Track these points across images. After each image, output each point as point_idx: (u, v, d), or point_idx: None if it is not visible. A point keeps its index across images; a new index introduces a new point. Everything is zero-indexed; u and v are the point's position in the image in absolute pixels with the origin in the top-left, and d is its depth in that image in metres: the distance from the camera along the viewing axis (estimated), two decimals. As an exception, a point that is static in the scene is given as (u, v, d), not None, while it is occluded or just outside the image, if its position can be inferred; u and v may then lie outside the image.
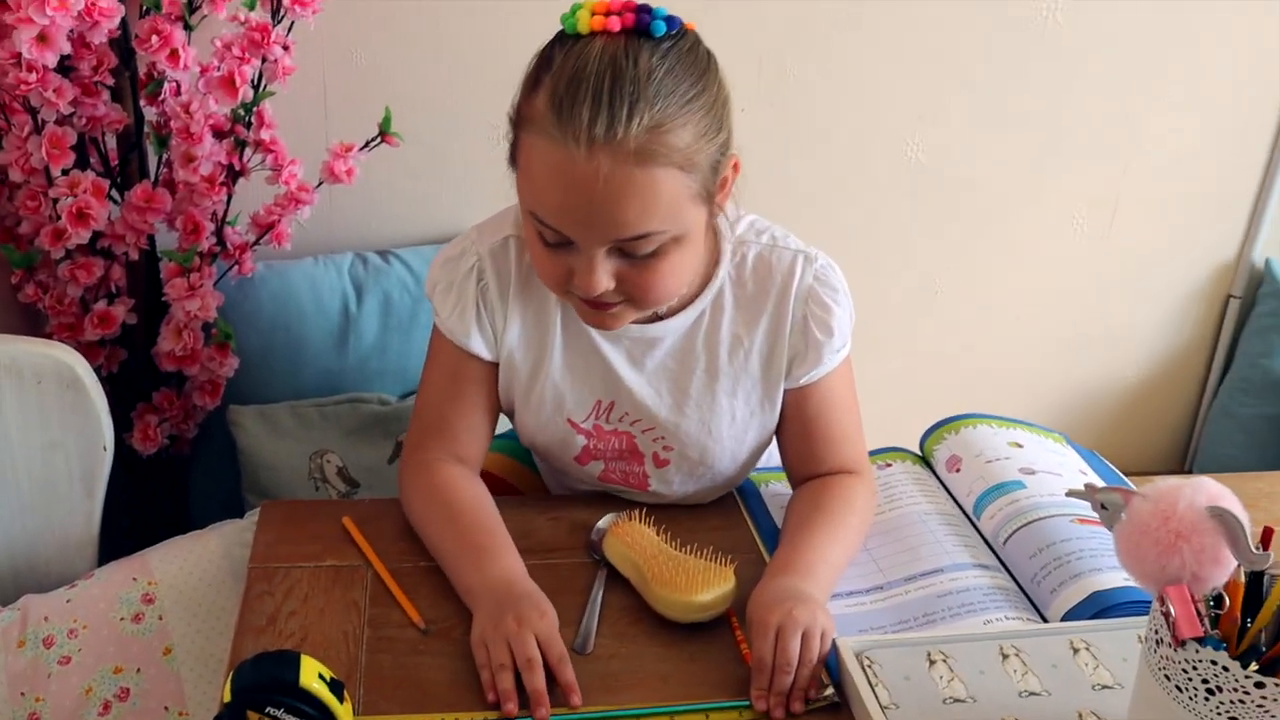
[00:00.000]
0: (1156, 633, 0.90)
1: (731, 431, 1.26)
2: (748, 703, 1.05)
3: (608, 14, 1.04)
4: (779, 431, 1.29)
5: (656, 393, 1.24)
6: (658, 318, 1.21)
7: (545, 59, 1.05)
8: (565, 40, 1.05)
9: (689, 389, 1.24)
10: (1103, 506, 0.94)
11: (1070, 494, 0.98)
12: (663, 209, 1.04)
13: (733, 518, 1.33)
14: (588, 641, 1.12)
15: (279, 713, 0.93)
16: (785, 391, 1.25)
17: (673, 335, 1.22)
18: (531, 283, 1.20)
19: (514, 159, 1.09)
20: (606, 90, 1.00)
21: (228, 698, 0.93)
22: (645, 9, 1.05)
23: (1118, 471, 1.44)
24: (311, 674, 0.94)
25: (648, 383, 1.23)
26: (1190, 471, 2.28)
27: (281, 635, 1.10)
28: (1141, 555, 0.89)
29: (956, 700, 1.03)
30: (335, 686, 0.95)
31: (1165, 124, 2.01)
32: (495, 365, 1.24)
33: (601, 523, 1.27)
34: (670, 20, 1.04)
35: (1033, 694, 1.04)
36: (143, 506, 1.74)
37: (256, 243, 1.58)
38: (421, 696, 1.04)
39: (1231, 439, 2.18)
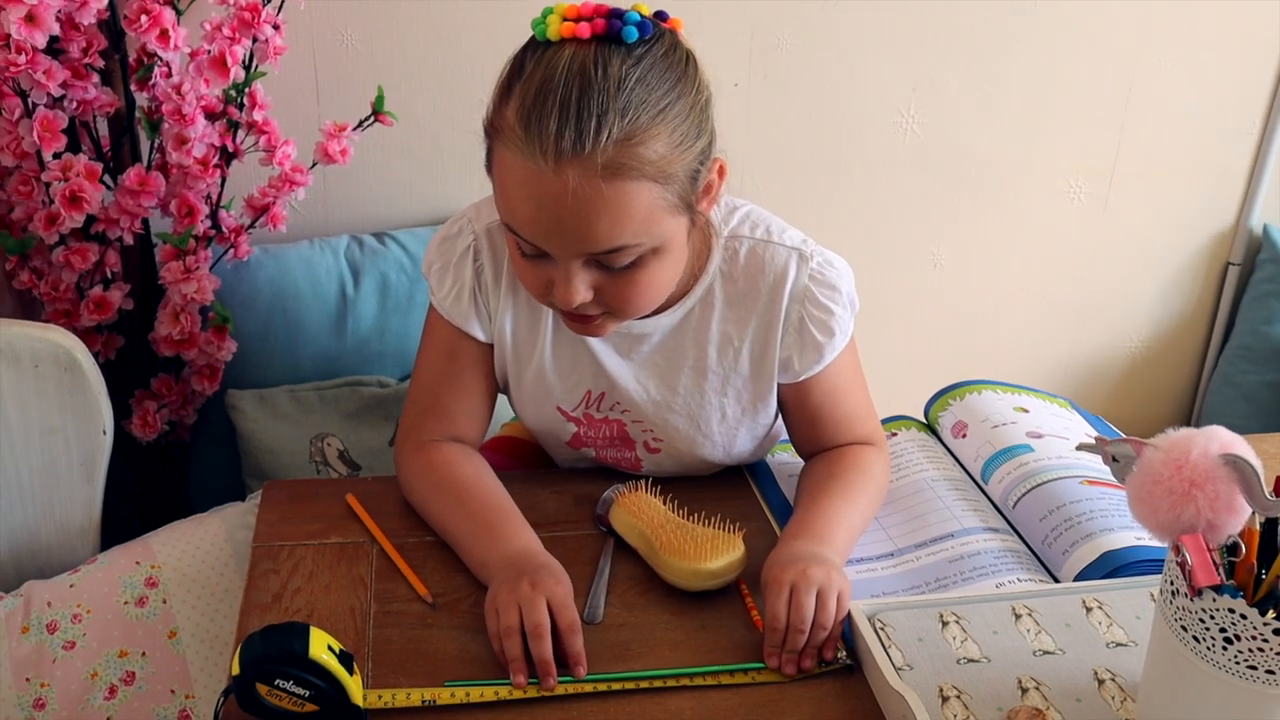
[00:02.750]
0: (1172, 584, 0.89)
1: (722, 429, 1.25)
2: (760, 664, 1.04)
3: (578, 20, 0.99)
4: (785, 415, 1.27)
5: (643, 388, 1.22)
6: (646, 314, 1.18)
7: (517, 66, 1.02)
8: (536, 47, 1.01)
9: (677, 386, 1.22)
10: (1114, 459, 0.93)
11: (1081, 448, 0.97)
12: (636, 222, 1.01)
13: (739, 488, 1.32)
14: (597, 611, 1.11)
15: (288, 685, 0.92)
16: (783, 385, 1.23)
17: (660, 332, 1.20)
18: None
19: (490, 167, 1.06)
20: (574, 102, 0.96)
21: (236, 670, 0.92)
22: (617, 14, 1.00)
23: (1123, 435, 1.43)
24: (321, 646, 0.93)
25: (635, 377, 1.22)
26: (1192, 441, 2.26)
27: (287, 612, 1.09)
28: (1155, 505, 0.88)
29: (970, 660, 1.02)
30: (345, 658, 0.95)
31: (1160, 90, 1.99)
32: (491, 345, 1.23)
33: (608, 493, 1.26)
34: (643, 26, 1.00)
35: (1047, 653, 1.03)
36: (143, 494, 1.73)
37: (251, 225, 1.57)
38: (431, 668, 1.03)
39: (1234, 407, 2.17)
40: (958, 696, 0.98)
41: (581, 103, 0.96)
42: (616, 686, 1.01)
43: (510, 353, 1.22)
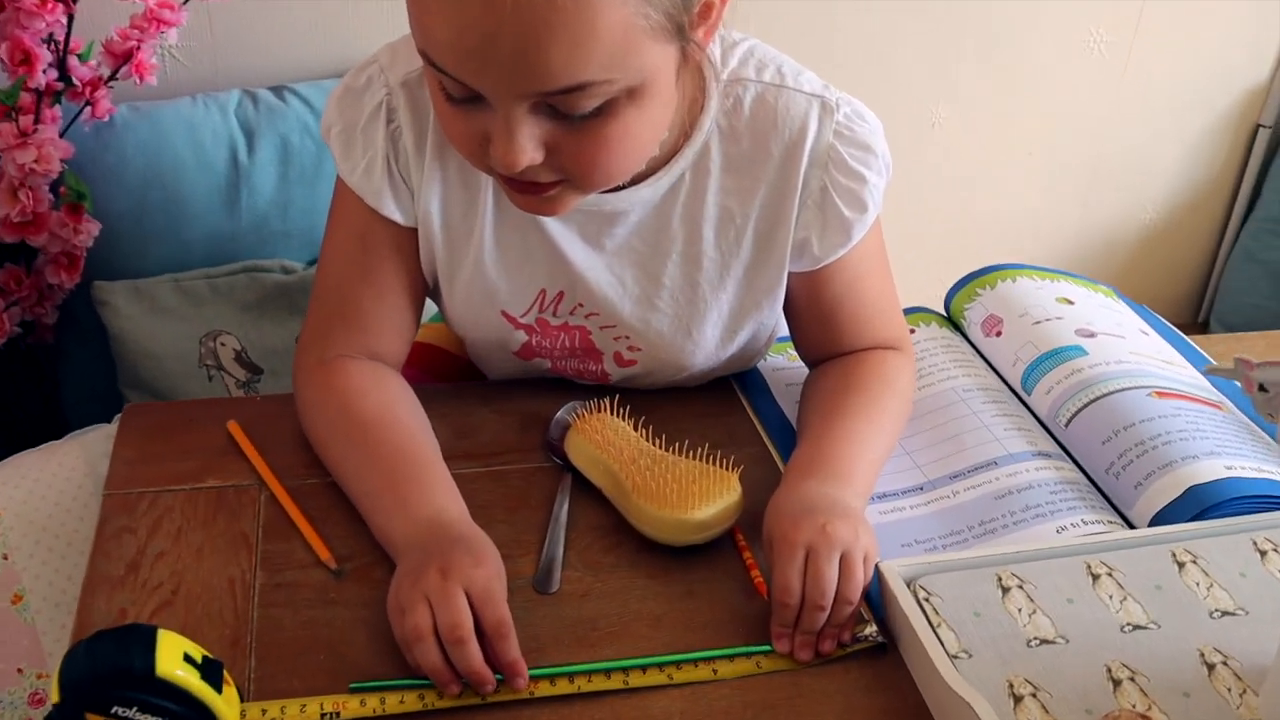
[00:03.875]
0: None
1: (716, 333, 0.98)
2: (767, 647, 0.81)
3: None
4: (790, 310, 1.01)
5: (619, 281, 0.95)
6: (620, 185, 0.90)
7: None
8: None
9: (661, 278, 0.95)
10: (1261, 388, 0.68)
11: (1211, 371, 0.72)
12: (604, 49, 0.71)
13: (726, 402, 1.07)
14: (551, 576, 0.86)
15: (129, 713, 0.66)
16: (795, 274, 0.97)
17: (640, 208, 0.92)
18: None
19: None
20: None
21: (55, 697, 0.67)
22: None
23: (1177, 330, 1.19)
24: (173, 656, 0.67)
25: (608, 268, 0.94)
26: (1206, 323, 2.05)
27: (146, 588, 0.83)
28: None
29: (1044, 641, 0.78)
30: (209, 669, 0.69)
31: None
32: (415, 230, 0.95)
33: (561, 414, 1.00)
34: None
35: (1138, 628, 0.80)
36: (7, 408, 1.45)
37: (112, 77, 1.27)
38: (334, 665, 0.77)
39: (1255, 285, 1.96)
40: (1033, 695, 0.75)
41: None
42: (583, 685, 0.77)
43: (440, 241, 0.94)
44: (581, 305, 0.96)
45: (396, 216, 0.93)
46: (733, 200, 0.92)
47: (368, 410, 0.91)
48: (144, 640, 0.67)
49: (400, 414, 0.92)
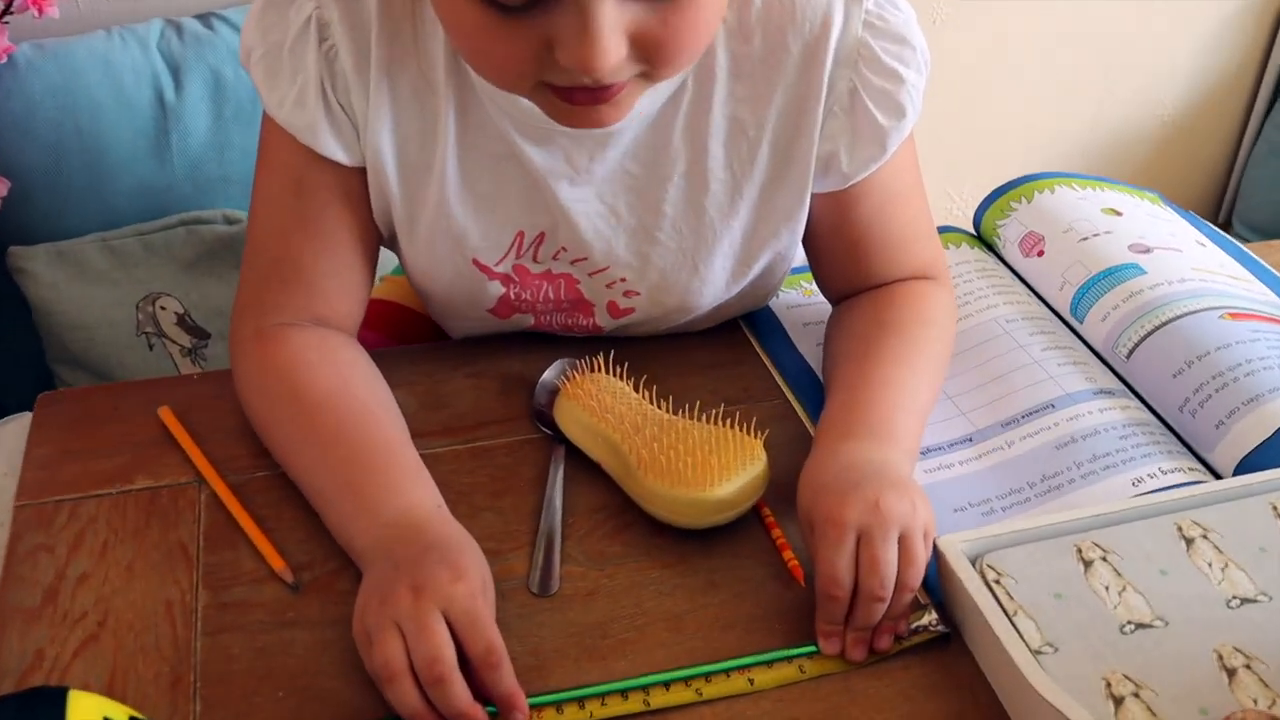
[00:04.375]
0: None
1: (727, 265, 0.84)
2: (811, 648, 0.68)
3: None
4: (810, 239, 0.87)
5: (611, 212, 0.81)
6: None
7: None
8: None
9: (661, 205, 0.81)
10: None
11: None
12: None
13: (736, 348, 0.93)
14: (549, 575, 0.73)
15: (36, 797, 0.53)
16: (819, 196, 0.83)
17: (635, 125, 0.78)
18: (404, 46, 0.75)
19: None
20: None
21: (-60, 784, 0.53)
22: None
23: (1232, 239, 1.06)
24: (87, 724, 0.54)
25: (598, 197, 0.80)
26: (1228, 225, 1.93)
27: (67, 620, 0.69)
28: None
29: (1140, 626, 0.66)
30: (135, 733, 0.56)
31: None
32: (363, 170, 0.80)
33: (547, 375, 0.87)
34: None
35: (1246, 601, 0.68)
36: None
37: (7, 11, 1.12)
38: (296, 704, 0.65)
39: (1280, 185, 1.83)
40: (1135, 695, 0.62)
41: None
42: (596, 711, 0.64)
43: (394, 180, 0.79)
44: (565, 249, 0.81)
45: (338, 155, 0.78)
46: (744, 109, 0.78)
47: (317, 387, 0.77)
48: (51, 706, 0.54)
49: (356, 389, 0.78)
